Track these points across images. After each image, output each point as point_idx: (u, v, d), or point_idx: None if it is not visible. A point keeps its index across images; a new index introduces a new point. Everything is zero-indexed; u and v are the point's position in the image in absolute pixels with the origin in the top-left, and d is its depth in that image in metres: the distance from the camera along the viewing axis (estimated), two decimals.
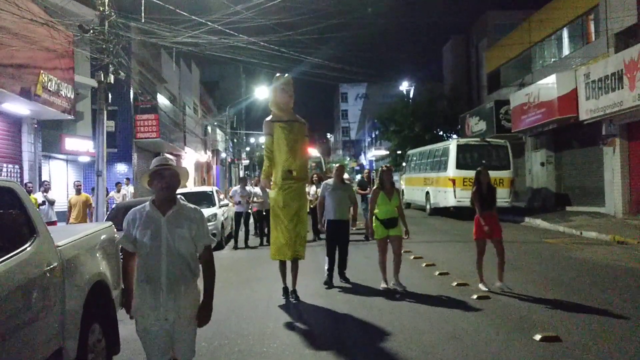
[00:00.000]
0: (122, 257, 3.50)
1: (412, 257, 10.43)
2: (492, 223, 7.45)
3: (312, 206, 13.30)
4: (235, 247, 13.38)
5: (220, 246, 13.65)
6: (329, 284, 8.08)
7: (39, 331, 3.38)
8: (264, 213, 13.59)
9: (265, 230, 13.46)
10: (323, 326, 6.11)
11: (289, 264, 7.50)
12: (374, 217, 7.87)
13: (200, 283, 3.44)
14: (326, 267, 8.31)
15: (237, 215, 14.20)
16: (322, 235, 11.50)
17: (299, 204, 7.44)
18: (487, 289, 7.26)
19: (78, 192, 13.20)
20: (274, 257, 7.50)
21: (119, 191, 16.68)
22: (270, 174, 7.57)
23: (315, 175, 14.58)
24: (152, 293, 3.25)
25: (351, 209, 8.81)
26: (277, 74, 7.79)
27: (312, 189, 14.01)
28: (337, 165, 9.56)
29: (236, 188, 14.55)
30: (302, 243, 7.46)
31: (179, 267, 3.28)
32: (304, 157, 7.65)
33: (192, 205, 3.47)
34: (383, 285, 7.77)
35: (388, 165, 8.52)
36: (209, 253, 3.45)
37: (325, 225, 8.41)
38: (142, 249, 3.30)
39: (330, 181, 8.69)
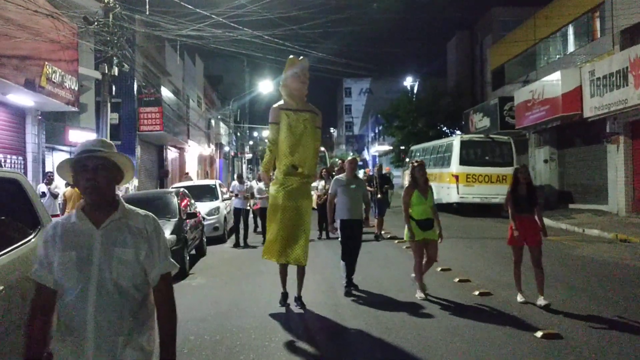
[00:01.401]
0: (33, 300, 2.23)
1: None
2: (529, 227, 6.57)
3: (320, 202, 13.03)
4: (237, 245, 13.19)
5: (222, 240, 13.66)
6: (349, 293, 7.19)
7: None
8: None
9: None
10: (323, 320, 6.13)
11: (291, 267, 6.78)
12: (409, 218, 6.96)
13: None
14: (343, 275, 7.44)
15: (237, 211, 13.79)
16: (332, 235, 10.87)
17: (301, 204, 6.56)
18: (524, 300, 6.48)
19: (72, 184, 12.94)
20: (263, 256, 6.78)
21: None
22: (271, 168, 6.93)
23: (323, 170, 14.35)
24: (73, 350, 2.11)
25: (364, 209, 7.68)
26: (291, 56, 6.94)
27: (320, 184, 13.76)
28: (350, 158, 8.66)
29: (235, 183, 14.36)
30: (304, 248, 6.59)
31: (117, 308, 2.13)
32: (312, 151, 6.75)
33: (143, 212, 2.32)
34: (420, 294, 6.86)
35: (419, 160, 7.50)
36: (166, 285, 2.27)
37: (339, 225, 7.50)
38: (63, 282, 2.13)
39: (342, 176, 7.78)
